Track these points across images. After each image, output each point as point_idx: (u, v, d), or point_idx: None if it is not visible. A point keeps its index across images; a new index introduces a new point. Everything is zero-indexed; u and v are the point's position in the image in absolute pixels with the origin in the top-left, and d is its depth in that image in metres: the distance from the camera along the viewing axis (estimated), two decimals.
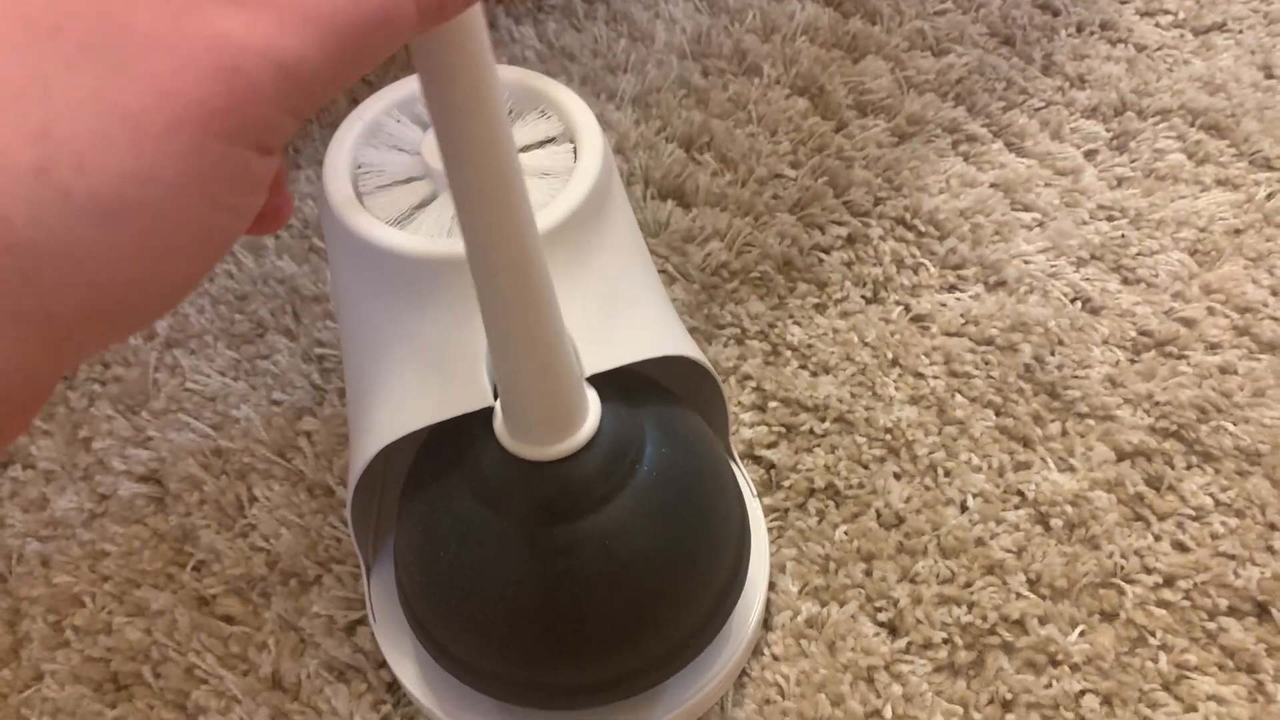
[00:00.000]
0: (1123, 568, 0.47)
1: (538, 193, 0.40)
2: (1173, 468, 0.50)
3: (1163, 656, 0.45)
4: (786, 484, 0.51)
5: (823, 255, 0.60)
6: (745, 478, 0.50)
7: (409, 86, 0.43)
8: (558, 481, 0.37)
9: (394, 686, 0.46)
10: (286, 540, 0.50)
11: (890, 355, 0.56)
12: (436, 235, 0.39)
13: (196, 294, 0.60)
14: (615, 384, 0.40)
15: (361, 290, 0.41)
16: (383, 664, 0.46)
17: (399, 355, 0.39)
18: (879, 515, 0.50)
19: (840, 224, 0.61)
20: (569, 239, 0.39)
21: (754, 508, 0.49)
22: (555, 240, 0.39)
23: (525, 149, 0.42)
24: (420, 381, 0.39)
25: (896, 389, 0.54)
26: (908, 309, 0.58)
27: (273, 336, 0.58)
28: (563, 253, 0.39)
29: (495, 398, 0.38)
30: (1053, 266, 0.59)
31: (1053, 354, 0.55)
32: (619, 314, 0.40)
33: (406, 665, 0.44)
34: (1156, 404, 0.52)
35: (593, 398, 0.38)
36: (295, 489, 0.52)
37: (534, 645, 0.39)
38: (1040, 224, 0.61)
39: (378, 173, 0.41)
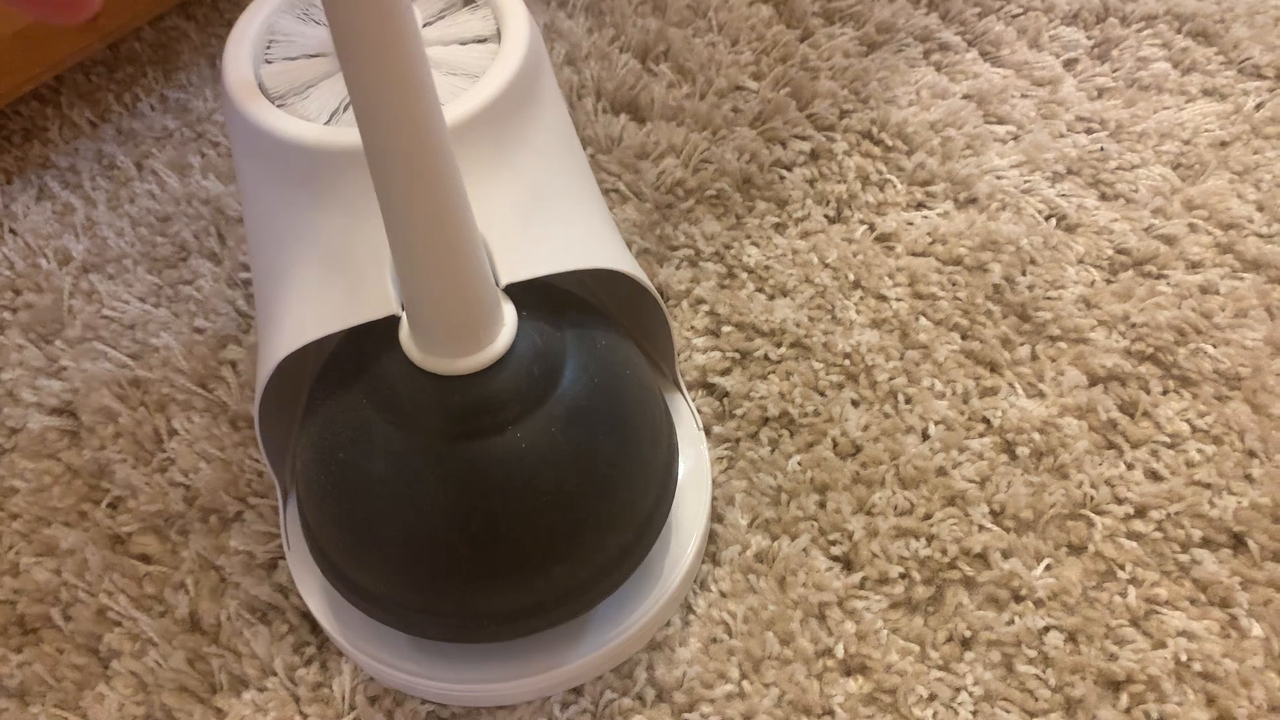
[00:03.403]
0: (1092, 498, 0.45)
1: (454, 91, 0.37)
2: (1148, 392, 0.47)
3: (1132, 591, 0.42)
4: (739, 413, 0.48)
5: (784, 172, 0.57)
6: (692, 408, 0.47)
7: None
8: (466, 398, 0.34)
9: (318, 627, 0.43)
10: (206, 475, 0.47)
11: (852, 277, 0.52)
12: (318, 117, 0.35)
13: (116, 215, 0.57)
14: (537, 299, 0.36)
15: (261, 184, 0.37)
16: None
17: (301, 257, 0.36)
18: (835, 444, 0.47)
19: (803, 139, 0.58)
20: (485, 135, 0.35)
21: (697, 437, 0.46)
22: (469, 135, 0.35)
23: (447, 44, 0.39)
24: (323, 287, 0.35)
25: (857, 312, 0.51)
26: (872, 228, 0.54)
27: (196, 260, 0.55)
28: (478, 149, 0.35)
29: (403, 307, 0.35)
30: (1026, 182, 0.55)
31: (1024, 274, 0.52)
32: (542, 221, 0.37)
33: (320, 598, 0.42)
34: (1133, 326, 0.49)
35: (509, 311, 0.34)
36: (217, 421, 0.49)
37: (436, 570, 0.36)
38: (1015, 137, 0.57)
39: (287, 43, 0.38)
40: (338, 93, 0.37)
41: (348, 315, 0.35)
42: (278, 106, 0.36)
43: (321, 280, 0.35)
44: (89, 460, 0.48)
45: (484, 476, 0.34)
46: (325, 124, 0.36)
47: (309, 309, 0.35)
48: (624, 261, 0.40)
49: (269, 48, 0.38)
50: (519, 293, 0.35)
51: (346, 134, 0.35)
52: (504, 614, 0.37)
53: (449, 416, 0.34)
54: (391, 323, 0.35)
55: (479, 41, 0.39)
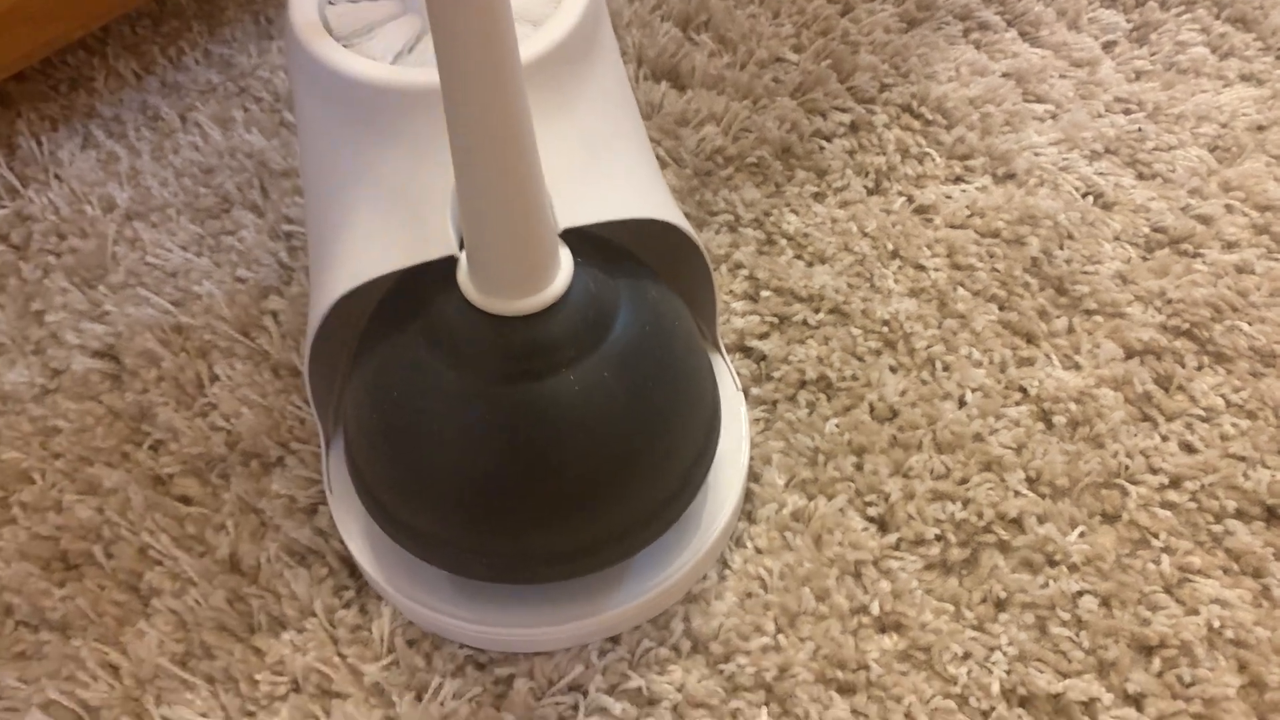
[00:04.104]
0: (1127, 468, 0.45)
1: (519, 36, 0.37)
2: (1183, 367, 0.48)
3: (1165, 559, 0.43)
4: (776, 375, 0.49)
5: (824, 142, 0.57)
6: (730, 369, 0.47)
7: None
8: (524, 338, 0.34)
9: (357, 571, 0.44)
10: (248, 420, 0.48)
11: (890, 246, 0.53)
12: (383, 57, 0.35)
13: (159, 165, 0.57)
14: (591, 248, 0.37)
15: (322, 124, 0.37)
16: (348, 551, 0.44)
17: (361, 197, 0.36)
18: (872, 408, 0.47)
19: (843, 110, 0.58)
20: (547, 80, 0.36)
21: (737, 399, 0.46)
22: (531, 80, 0.35)
23: None
24: (382, 226, 0.36)
25: (896, 281, 0.51)
26: (911, 200, 0.55)
27: (239, 212, 0.55)
28: (539, 94, 0.35)
29: (461, 248, 0.35)
30: (1064, 159, 0.56)
31: (1061, 248, 0.52)
32: (600, 169, 0.37)
33: (362, 542, 0.42)
34: (1169, 301, 0.50)
35: (565, 255, 0.35)
36: (258, 368, 0.49)
37: (487, 508, 0.36)
38: (1053, 116, 0.58)
39: None
40: (403, 34, 0.37)
41: (408, 254, 0.35)
42: (343, 46, 0.37)
43: (382, 220, 0.36)
44: (131, 403, 0.49)
45: (538, 417, 0.35)
46: (390, 64, 0.37)
47: (369, 248, 0.36)
48: (677, 216, 0.40)
49: None
50: (574, 241, 0.36)
51: (412, 74, 0.35)
52: (550, 555, 0.37)
53: (505, 356, 0.34)
54: (448, 265, 0.35)
55: None
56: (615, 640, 0.42)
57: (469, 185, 0.31)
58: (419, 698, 0.41)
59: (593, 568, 0.38)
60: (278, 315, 0.51)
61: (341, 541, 0.43)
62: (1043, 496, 0.44)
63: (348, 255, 0.36)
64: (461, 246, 0.35)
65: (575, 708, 0.40)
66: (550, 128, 0.36)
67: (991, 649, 0.41)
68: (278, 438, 0.47)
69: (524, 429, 0.35)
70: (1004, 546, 0.43)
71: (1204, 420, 0.46)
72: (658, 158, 0.56)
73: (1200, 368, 0.48)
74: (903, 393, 0.47)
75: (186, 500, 0.46)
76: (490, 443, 0.35)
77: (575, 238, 0.36)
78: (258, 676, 0.42)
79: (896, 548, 0.44)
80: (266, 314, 0.51)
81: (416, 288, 0.37)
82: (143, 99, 0.60)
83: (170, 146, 0.58)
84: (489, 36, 0.27)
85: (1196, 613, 0.41)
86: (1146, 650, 0.41)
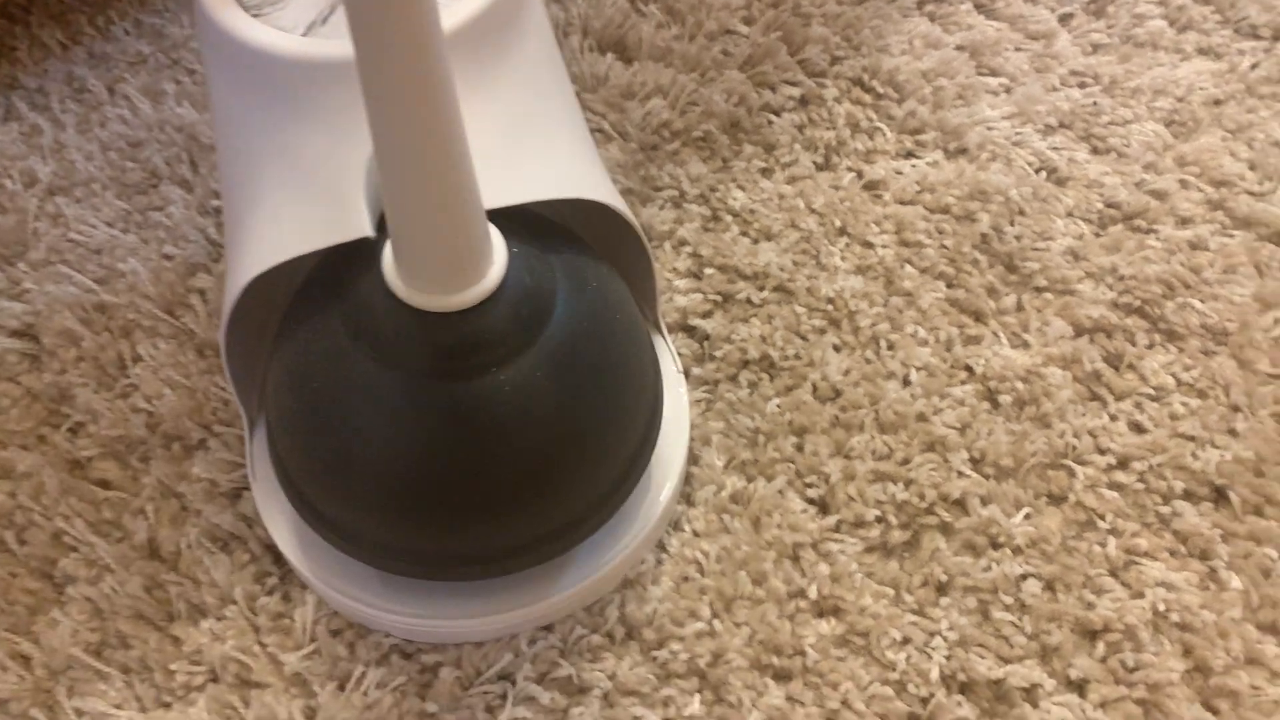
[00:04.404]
0: (1074, 448, 0.44)
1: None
2: (1134, 345, 0.47)
3: (1112, 541, 0.42)
4: (719, 354, 0.47)
5: (773, 116, 0.55)
6: (671, 349, 0.46)
7: None
8: (453, 336, 0.32)
9: (281, 558, 0.42)
10: (170, 401, 0.46)
11: (838, 223, 0.51)
12: (294, 28, 0.34)
13: (85, 138, 0.55)
14: (524, 229, 0.35)
15: (233, 98, 0.36)
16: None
17: (273, 175, 0.34)
18: (815, 388, 0.46)
19: (793, 84, 0.57)
20: (465, 53, 0.34)
21: (678, 380, 0.45)
22: (453, 51, 0.34)
23: None
24: (296, 206, 0.34)
25: (842, 258, 0.50)
26: (860, 175, 0.53)
27: (167, 187, 0.53)
28: (462, 67, 0.34)
29: (380, 230, 0.34)
30: (1018, 134, 0.54)
31: (1012, 224, 0.51)
32: (524, 147, 0.35)
33: (285, 530, 0.40)
34: (1120, 278, 0.49)
35: (499, 245, 0.33)
36: (183, 348, 0.48)
37: (415, 508, 0.35)
38: (1007, 89, 0.56)
39: None
40: (316, 3, 0.36)
41: (321, 236, 0.33)
42: (253, 17, 0.35)
43: (294, 199, 0.34)
44: (49, 384, 0.47)
45: (467, 418, 0.33)
46: (302, 35, 0.35)
47: (281, 229, 0.34)
48: (610, 196, 0.39)
49: None
50: (509, 222, 0.34)
51: (325, 46, 0.34)
52: (478, 555, 0.36)
53: (434, 355, 0.33)
54: (369, 247, 0.33)
55: None
56: (547, 628, 0.40)
57: (390, 173, 0.29)
58: (341, 687, 0.39)
59: (523, 567, 0.37)
60: (205, 293, 0.49)
61: (265, 528, 0.42)
62: (987, 477, 0.43)
63: (261, 236, 0.35)
64: (380, 229, 0.33)
65: (503, 697, 0.39)
66: (471, 105, 0.34)
67: (932, 634, 0.40)
68: (201, 420, 0.46)
69: (453, 430, 0.33)
70: (946, 529, 0.42)
71: (1154, 399, 0.45)
72: (602, 132, 0.55)
73: (1151, 346, 0.47)
74: (846, 372, 0.46)
75: (105, 484, 0.45)
76: (416, 442, 0.34)
77: (511, 217, 0.34)
78: (174, 666, 0.40)
79: (836, 530, 0.42)
80: (193, 292, 0.49)
81: (339, 271, 0.35)
82: (68, 70, 0.58)
83: (97, 119, 0.56)
84: (406, 3, 0.25)
85: (1142, 596, 0.40)
86: (1090, 634, 0.40)
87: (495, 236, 0.33)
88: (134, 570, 0.42)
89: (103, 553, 0.42)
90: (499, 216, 0.34)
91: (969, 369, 0.46)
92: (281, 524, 0.41)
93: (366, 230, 0.33)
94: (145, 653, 0.40)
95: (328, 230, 0.34)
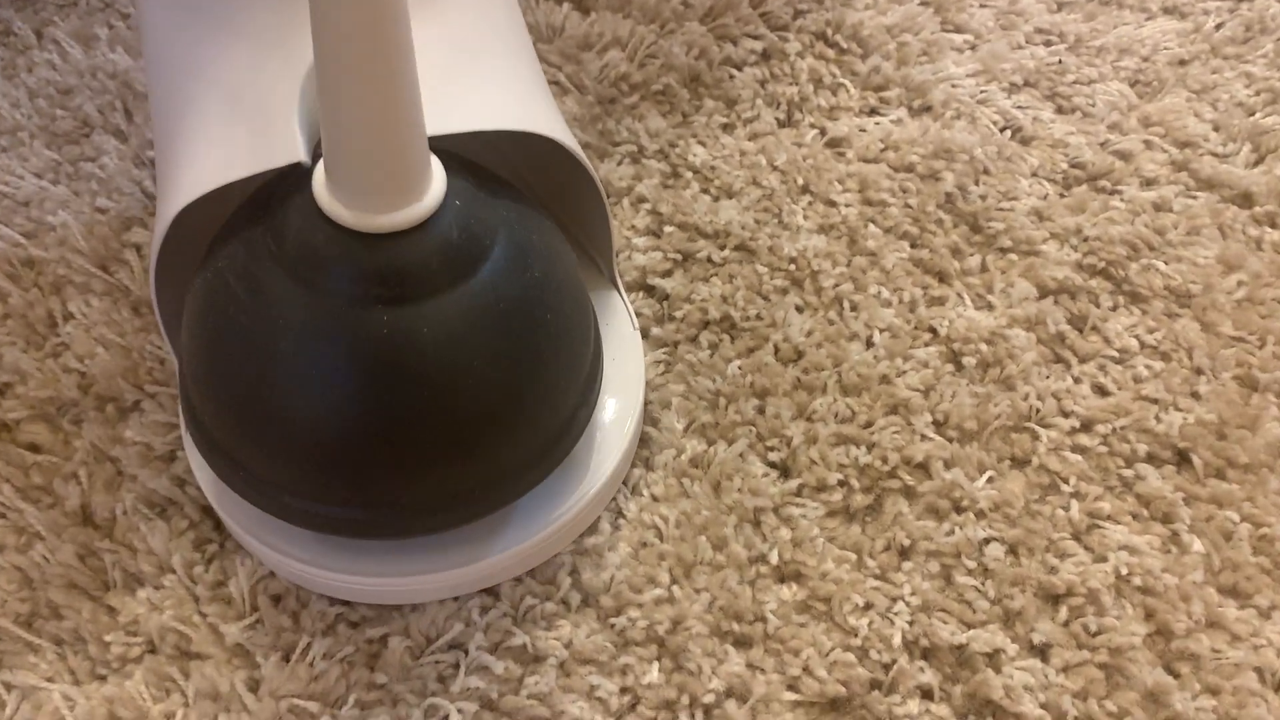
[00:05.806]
0: (1038, 411, 0.43)
1: None
2: (1098, 306, 0.46)
3: (1075, 504, 0.41)
4: (679, 315, 0.46)
5: (734, 71, 0.54)
6: (629, 308, 0.44)
7: None
8: (386, 259, 0.31)
9: (222, 524, 0.40)
10: (104, 361, 0.44)
11: (801, 181, 0.50)
12: None
13: (11, 85, 0.52)
14: (471, 177, 0.34)
15: (157, 15, 0.33)
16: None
17: (200, 97, 0.32)
18: (776, 349, 0.45)
19: (755, 37, 0.55)
20: None
21: (634, 339, 0.43)
22: None
23: None
24: (224, 131, 0.32)
25: (805, 217, 0.49)
26: (823, 132, 0.52)
27: (100, 137, 0.50)
28: None
29: (314, 157, 0.32)
30: (983, 92, 0.53)
31: (977, 184, 0.50)
32: (471, 76, 0.33)
33: (215, 482, 0.38)
34: (1085, 239, 0.48)
35: (438, 170, 0.31)
36: (117, 305, 0.45)
37: (337, 448, 0.32)
38: (972, 46, 0.55)
39: None
40: None
41: (250, 162, 0.31)
42: None
43: (223, 124, 0.32)
44: None
45: (399, 346, 0.31)
46: None
47: (208, 156, 0.32)
48: (564, 135, 0.37)
49: None
50: (456, 171, 0.32)
51: None
52: (417, 505, 0.34)
53: (359, 277, 0.31)
54: (301, 174, 0.31)
55: None
56: (496, 595, 0.39)
57: (331, 77, 0.27)
58: (286, 659, 0.38)
59: (462, 520, 0.35)
60: (140, 248, 0.47)
61: (199, 488, 0.40)
62: (950, 440, 0.42)
63: (189, 164, 0.33)
64: (315, 157, 0.31)
65: (455, 666, 0.38)
66: (418, 27, 0.32)
67: (894, 599, 0.39)
68: (135, 380, 0.43)
69: (382, 359, 0.31)
70: (909, 492, 0.41)
71: (1117, 362, 0.45)
72: (558, 84, 0.53)
73: (1115, 308, 0.46)
74: (808, 333, 0.45)
75: (34, 448, 0.42)
76: (341, 373, 0.32)
77: (450, 162, 0.33)
78: (109, 637, 0.38)
79: (798, 494, 0.41)
80: (128, 247, 0.47)
81: (269, 195, 0.33)
82: None
83: (24, 64, 0.53)
84: None
85: (1105, 560, 0.40)
86: (1053, 599, 0.39)
87: (436, 166, 0.32)
88: (66, 538, 0.40)
89: (32, 519, 0.40)
90: (447, 164, 0.32)
91: (933, 330, 0.45)
92: (211, 478, 0.39)
93: (300, 155, 0.31)
94: (79, 623, 0.39)
95: (259, 155, 0.32)
